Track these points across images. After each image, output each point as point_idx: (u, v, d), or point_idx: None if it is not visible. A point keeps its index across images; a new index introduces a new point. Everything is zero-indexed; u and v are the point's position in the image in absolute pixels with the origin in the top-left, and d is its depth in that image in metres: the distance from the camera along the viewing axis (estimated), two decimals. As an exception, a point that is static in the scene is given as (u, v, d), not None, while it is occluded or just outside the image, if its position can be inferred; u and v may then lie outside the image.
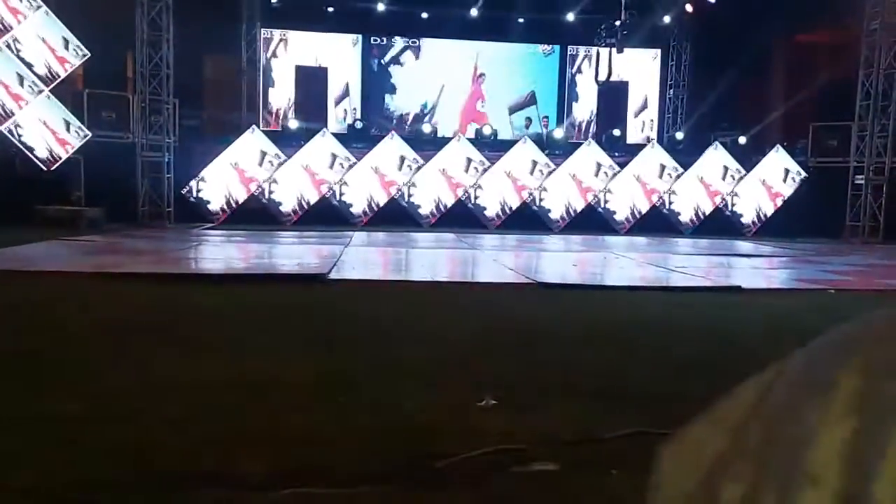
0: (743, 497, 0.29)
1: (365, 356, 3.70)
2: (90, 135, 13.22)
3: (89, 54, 13.29)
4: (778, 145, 15.52)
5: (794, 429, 0.29)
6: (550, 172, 14.81)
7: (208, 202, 13.95)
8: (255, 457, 2.25)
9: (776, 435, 0.29)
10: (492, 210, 14.65)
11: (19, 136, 12.66)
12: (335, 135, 14.88)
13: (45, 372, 3.24)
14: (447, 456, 2.26)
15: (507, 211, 14.68)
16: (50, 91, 12.96)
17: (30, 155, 12.74)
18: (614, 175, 14.98)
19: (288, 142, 14.72)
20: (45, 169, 12.84)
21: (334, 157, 14.36)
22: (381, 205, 14.42)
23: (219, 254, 9.39)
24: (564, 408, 2.87)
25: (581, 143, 15.69)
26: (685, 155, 15.76)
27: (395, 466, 2.20)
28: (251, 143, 14.22)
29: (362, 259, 8.79)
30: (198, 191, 13.92)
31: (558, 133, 16.76)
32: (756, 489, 0.29)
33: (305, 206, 14.19)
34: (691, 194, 15.13)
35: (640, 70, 18.07)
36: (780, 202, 15.31)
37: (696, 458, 0.34)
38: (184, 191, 13.81)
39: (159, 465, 2.17)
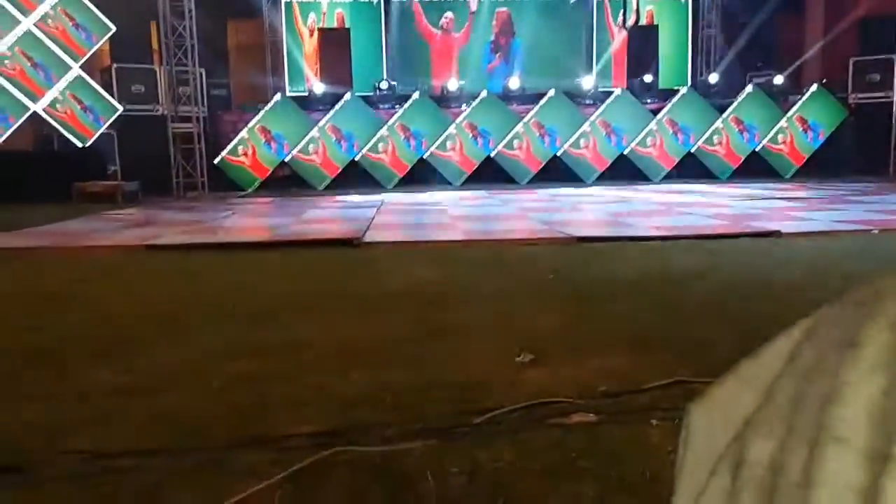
0: (772, 454, 0.29)
1: (402, 316, 3.74)
2: (121, 109, 13.38)
3: (114, 28, 13.37)
4: (816, 83, 15.02)
5: (822, 386, 0.28)
6: (582, 123, 14.60)
7: (240, 170, 14.08)
8: (300, 419, 2.31)
9: (805, 393, 0.29)
10: (522, 164, 14.52)
11: (55, 113, 12.88)
12: (361, 96, 14.81)
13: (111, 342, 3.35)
14: (487, 411, 2.29)
15: (539, 164, 14.54)
16: (80, 67, 13.11)
17: (64, 132, 12.96)
18: (648, 122, 14.70)
19: (315, 106, 14.72)
20: (81, 146, 13.07)
21: (362, 118, 14.34)
22: (412, 165, 14.39)
23: (253, 222, 9.50)
24: (603, 360, 2.88)
25: (612, 91, 15.38)
26: (720, 98, 15.37)
27: (436, 422, 2.24)
28: (279, 109, 14.26)
29: (395, 221, 8.82)
30: (230, 159, 14.05)
31: (587, 82, 16.45)
32: (784, 447, 0.29)
33: (336, 170, 14.24)
34: (727, 138, 14.79)
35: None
36: (820, 142, 14.88)
37: (726, 415, 0.34)
38: (216, 160, 13.95)
39: (207, 432, 2.24)
